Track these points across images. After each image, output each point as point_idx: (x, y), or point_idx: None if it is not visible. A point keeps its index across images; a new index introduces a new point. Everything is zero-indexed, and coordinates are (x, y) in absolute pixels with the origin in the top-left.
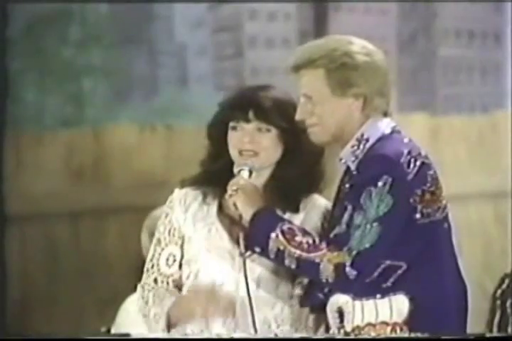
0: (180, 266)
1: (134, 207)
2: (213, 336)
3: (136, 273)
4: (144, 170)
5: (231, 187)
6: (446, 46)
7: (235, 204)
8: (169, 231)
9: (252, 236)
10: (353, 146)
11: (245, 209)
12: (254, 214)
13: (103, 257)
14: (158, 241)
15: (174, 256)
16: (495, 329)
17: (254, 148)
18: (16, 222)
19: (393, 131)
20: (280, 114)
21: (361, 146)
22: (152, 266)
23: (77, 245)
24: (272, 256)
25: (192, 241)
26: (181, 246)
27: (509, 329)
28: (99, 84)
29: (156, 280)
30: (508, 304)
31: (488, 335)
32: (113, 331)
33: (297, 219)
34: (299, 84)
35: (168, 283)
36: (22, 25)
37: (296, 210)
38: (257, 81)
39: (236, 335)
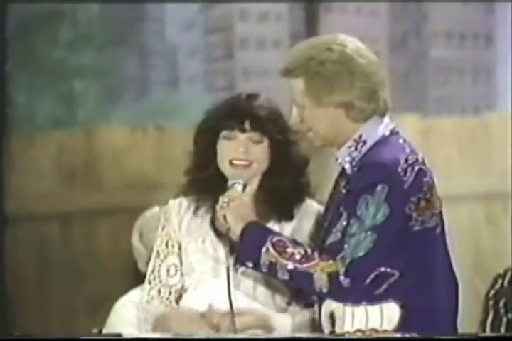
0: (182, 274)
1: (125, 208)
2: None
3: (128, 273)
4: (135, 171)
5: (223, 199)
6: (437, 47)
7: (224, 217)
8: (166, 243)
9: (243, 252)
10: (349, 147)
11: (235, 224)
12: (243, 229)
13: (95, 258)
14: (157, 253)
15: (175, 266)
16: (488, 329)
17: (248, 158)
18: (8, 222)
19: (392, 133)
20: (274, 125)
21: (358, 148)
22: (154, 278)
23: (68, 246)
24: (265, 269)
25: (187, 251)
26: (180, 256)
27: (502, 330)
28: (91, 86)
29: (159, 292)
30: (501, 304)
31: (481, 335)
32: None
33: (289, 227)
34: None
35: (170, 292)
36: (13, 26)
37: (290, 218)
38: (248, 82)
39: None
